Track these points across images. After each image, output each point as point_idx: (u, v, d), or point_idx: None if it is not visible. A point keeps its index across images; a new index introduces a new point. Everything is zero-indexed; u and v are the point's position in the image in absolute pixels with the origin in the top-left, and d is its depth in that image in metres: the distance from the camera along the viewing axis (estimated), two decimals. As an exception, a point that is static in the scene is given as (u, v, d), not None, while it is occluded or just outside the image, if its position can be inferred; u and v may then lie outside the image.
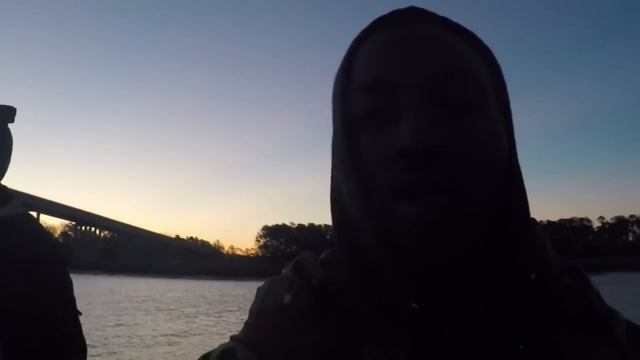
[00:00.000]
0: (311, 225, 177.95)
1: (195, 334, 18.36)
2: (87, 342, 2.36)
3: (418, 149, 0.64)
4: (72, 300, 2.34)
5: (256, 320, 0.74)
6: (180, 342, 16.53)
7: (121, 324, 20.61)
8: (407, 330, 0.66)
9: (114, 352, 14.55)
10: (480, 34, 0.75)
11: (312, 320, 0.69)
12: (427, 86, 0.68)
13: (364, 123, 0.71)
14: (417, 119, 0.66)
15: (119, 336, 17.36)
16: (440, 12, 0.77)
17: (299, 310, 0.70)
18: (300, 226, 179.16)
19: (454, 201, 0.64)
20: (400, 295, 0.67)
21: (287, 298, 0.72)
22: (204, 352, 0.76)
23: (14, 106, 2.47)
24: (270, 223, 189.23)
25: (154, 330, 19.32)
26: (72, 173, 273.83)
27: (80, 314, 2.36)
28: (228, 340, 0.76)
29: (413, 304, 0.66)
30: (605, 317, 0.72)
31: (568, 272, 0.75)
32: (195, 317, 24.67)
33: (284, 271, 0.79)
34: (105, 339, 16.41)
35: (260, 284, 0.73)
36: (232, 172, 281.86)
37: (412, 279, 0.67)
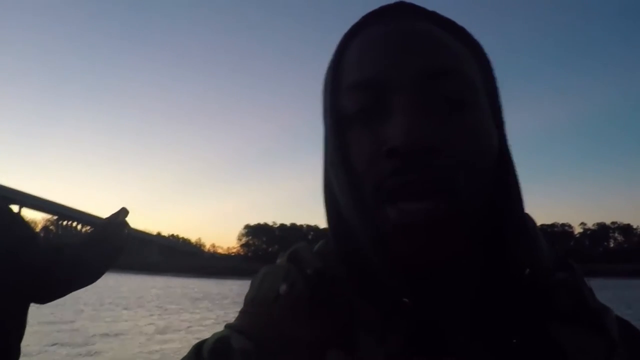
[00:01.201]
0: (293, 225, 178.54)
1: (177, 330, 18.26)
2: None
3: (408, 149, 0.63)
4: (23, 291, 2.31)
5: (251, 308, 0.73)
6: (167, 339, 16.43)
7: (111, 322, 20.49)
8: (400, 322, 0.66)
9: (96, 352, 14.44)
10: (475, 32, 0.74)
11: (308, 309, 0.69)
12: (417, 84, 0.67)
13: (354, 121, 0.70)
14: (408, 117, 0.65)
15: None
16: (437, 7, 0.76)
17: (295, 300, 0.70)
18: (282, 226, 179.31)
19: (440, 205, 0.64)
20: (391, 289, 0.67)
21: (283, 287, 0.71)
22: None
23: None
24: (252, 222, 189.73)
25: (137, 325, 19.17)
26: (54, 167, 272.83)
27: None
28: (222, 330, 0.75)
29: (405, 299, 0.66)
30: (597, 312, 0.72)
31: (561, 267, 0.75)
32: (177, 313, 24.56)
33: (278, 260, 0.79)
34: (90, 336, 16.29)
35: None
36: (214, 171, 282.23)
37: (403, 275, 0.67)
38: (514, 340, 0.68)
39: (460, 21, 0.74)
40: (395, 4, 0.77)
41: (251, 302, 0.74)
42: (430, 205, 0.63)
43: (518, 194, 0.75)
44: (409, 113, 0.65)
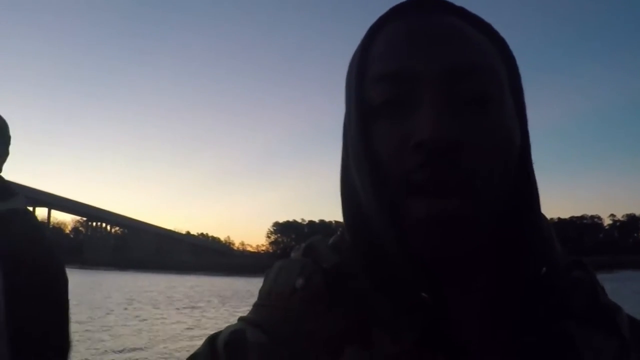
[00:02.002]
0: (322, 222, 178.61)
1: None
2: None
3: (436, 143, 0.64)
4: (60, 299, 2.32)
5: (267, 302, 0.74)
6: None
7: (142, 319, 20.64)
8: (414, 317, 0.66)
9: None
10: (496, 25, 0.73)
11: (324, 305, 0.70)
12: (447, 79, 0.68)
13: (379, 113, 0.70)
14: (436, 112, 0.65)
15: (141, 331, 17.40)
16: (462, 3, 0.75)
17: (311, 295, 0.70)
18: (311, 222, 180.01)
19: (465, 202, 0.64)
20: (409, 284, 0.68)
21: (300, 282, 0.72)
22: None
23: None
24: (281, 219, 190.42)
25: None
26: (83, 169, 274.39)
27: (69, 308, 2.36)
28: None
29: (423, 294, 0.67)
30: (610, 311, 0.74)
31: (575, 266, 0.77)
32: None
33: (293, 254, 0.79)
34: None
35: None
36: (243, 168, 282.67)
37: (422, 270, 0.67)
38: (529, 339, 0.69)
39: (481, 15, 0.74)
40: None
41: (267, 296, 0.74)
42: (456, 202, 0.64)
43: (536, 196, 0.75)
44: (436, 108, 0.66)
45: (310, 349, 0.67)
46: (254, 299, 0.74)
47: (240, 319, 0.74)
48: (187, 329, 18.78)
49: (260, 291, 0.76)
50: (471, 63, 0.69)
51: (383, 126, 0.69)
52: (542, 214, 0.77)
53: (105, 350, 14.05)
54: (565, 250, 0.80)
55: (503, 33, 0.74)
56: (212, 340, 0.73)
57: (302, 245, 0.79)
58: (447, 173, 0.64)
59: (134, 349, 14.39)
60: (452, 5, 0.77)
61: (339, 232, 0.81)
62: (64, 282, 2.33)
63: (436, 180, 0.64)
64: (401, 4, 0.77)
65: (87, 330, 16.61)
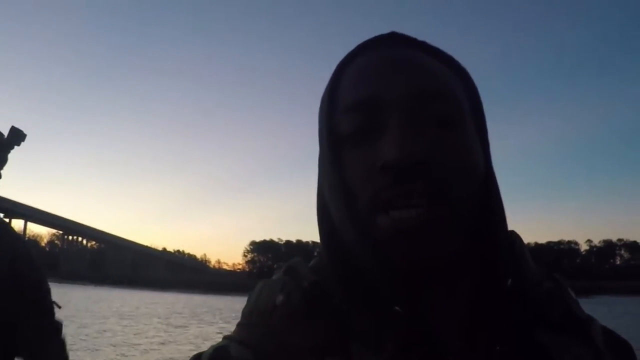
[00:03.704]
0: (299, 242, 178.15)
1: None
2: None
3: (401, 163, 0.67)
4: (44, 301, 2.37)
5: (249, 320, 0.76)
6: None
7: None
8: (392, 330, 0.69)
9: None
10: (467, 55, 0.96)
11: (303, 319, 0.72)
12: (408, 103, 0.72)
13: (349, 141, 0.74)
14: (400, 134, 0.69)
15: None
16: (426, 34, 0.80)
17: (291, 310, 0.73)
18: (288, 242, 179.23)
19: (431, 210, 0.68)
20: (383, 298, 0.71)
21: (280, 299, 0.74)
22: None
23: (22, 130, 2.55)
24: (258, 238, 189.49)
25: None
26: (61, 182, 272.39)
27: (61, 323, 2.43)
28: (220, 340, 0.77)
29: (396, 307, 0.70)
30: (584, 321, 0.76)
31: (547, 279, 0.80)
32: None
33: (274, 276, 0.81)
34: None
35: (246, 299, 0.77)
36: (220, 187, 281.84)
37: (395, 283, 0.71)
38: (498, 348, 0.72)
39: (444, 41, 0.83)
40: (388, 34, 0.82)
41: (249, 315, 0.76)
42: (422, 212, 0.67)
43: (501, 212, 0.80)
44: (401, 130, 0.70)
45: None
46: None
47: (224, 337, 0.76)
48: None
49: (243, 311, 0.78)
50: (433, 88, 0.74)
51: (353, 154, 0.74)
52: (513, 231, 0.82)
53: None
54: (541, 266, 0.83)
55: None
56: (196, 358, 0.75)
57: (283, 266, 0.82)
58: (413, 188, 0.68)
59: None
60: (414, 40, 0.82)
61: (316, 255, 0.85)
62: (46, 289, 2.39)
63: (403, 195, 0.68)
64: (367, 41, 0.82)
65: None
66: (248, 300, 0.79)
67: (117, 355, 15.98)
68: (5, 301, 2.17)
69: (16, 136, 2.61)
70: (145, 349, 17.43)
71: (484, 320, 0.73)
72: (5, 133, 2.60)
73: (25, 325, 2.23)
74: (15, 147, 2.64)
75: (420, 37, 0.83)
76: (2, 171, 2.56)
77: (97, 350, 16.53)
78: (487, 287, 0.75)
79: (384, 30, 0.81)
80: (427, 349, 0.69)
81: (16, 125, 2.60)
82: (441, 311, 0.74)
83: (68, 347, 2.54)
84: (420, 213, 0.67)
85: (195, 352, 0.73)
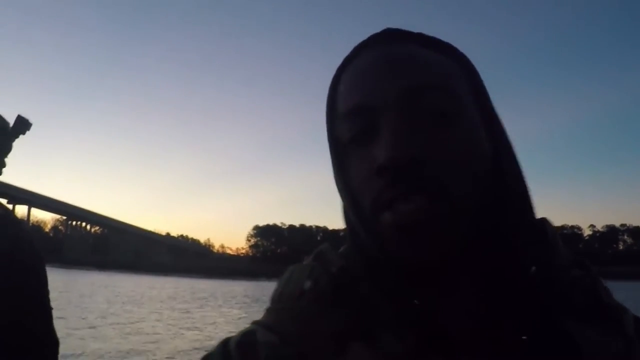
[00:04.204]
0: (302, 226, 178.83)
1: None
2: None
3: (395, 164, 0.68)
4: (43, 296, 2.34)
5: (277, 305, 0.77)
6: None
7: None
8: (413, 322, 0.70)
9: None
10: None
11: (330, 305, 0.73)
12: (401, 102, 0.72)
13: (349, 146, 0.76)
14: (392, 135, 0.70)
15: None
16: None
17: (318, 296, 0.74)
18: (291, 227, 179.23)
19: (431, 204, 0.68)
20: (401, 291, 0.72)
21: (308, 284, 0.76)
22: None
23: (28, 118, 2.57)
24: (262, 223, 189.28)
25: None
26: (64, 167, 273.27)
27: (52, 309, 2.37)
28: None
29: (415, 301, 0.71)
30: (614, 310, 0.76)
31: (577, 266, 0.79)
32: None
33: (304, 261, 0.82)
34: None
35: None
36: (224, 172, 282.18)
37: (410, 277, 0.72)
38: (524, 337, 0.71)
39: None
40: (382, 32, 0.82)
41: (278, 299, 0.78)
42: (421, 205, 0.68)
43: (523, 195, 0.78)
44: (393, 131, 0.70)
45: (316, 346, 0.70)
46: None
47: (253, 322, 0.78)
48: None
49: (272, 296, 0.80)
50: (424, 82, 0.73)
51: (354, 158, 0.75)
52: (544, 218, 0.81)
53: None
54: (572, 253, 0.81)
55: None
56: (225, 341, 0.77)
57: (314, 252, 0.83)
58: (411, 186, 0.68)
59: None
60: (410, 33, 0.81)
61: (346, 244, 0.85)
62: (44, 278, 2.36)
63: (402, 194, 0.68)
64: (364, 41, 0.82)
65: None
66: (277, 285, 0.81)
67: (121, 339, 16.02)
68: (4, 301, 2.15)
69: (22, 125, 2.63)
70: (148, 333, 17.47)
71: (503, 311, 0.73)
72: (11, 121, 2.60)
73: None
74: (21, 136, 2.65)
75: (424, 29, 0.81)
76: (6, 159, 2.57)
77: (102, 335, 16.57)
78: (505, 278, 0.74)
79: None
80: (448, 341, 0.70)
81: (21, 114, 2.61)
82: (457, 303, 0.74)
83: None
84: (419, 209, 0.67)
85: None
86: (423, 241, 0.69)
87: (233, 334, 0.78)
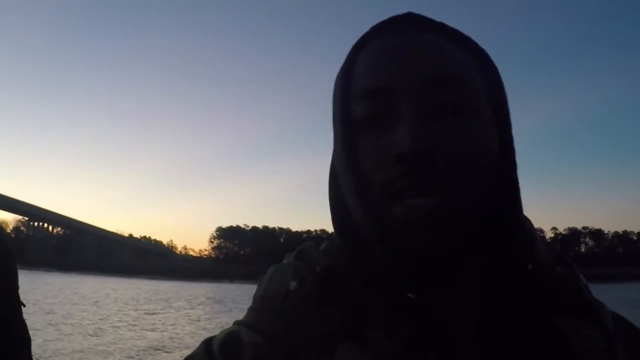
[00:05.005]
0: (265, 228, 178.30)
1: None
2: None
3: (415, 154, 0.68)
4: (18, 294, 2.37)
5: (260, 305, 0.76)
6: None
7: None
8: (406, 317, 0.69)
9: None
10: (473, 34, 0.73)
11: (317, 305, 0.72)
12: (422, 92, 0.71)
13: (363, 127, 0.75)
14: (414, 124, 0.69)
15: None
16: (440, 13, 0.84)
17: (304, 296, 0.73)
18: (255, 228, 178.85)
19: (442, 202, 0.68)
20: (397, 285, 0.71)
21: (293, 284, 0.74)
22: None
23: None
24: (225, 224, 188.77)
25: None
26: (26, 168, 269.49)
27: (24, 305, 2.38)
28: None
29: (409, 295, 0.70)
30: (595, 306, 0.77)
31: (559, 263, 0.81)
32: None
33: (285, 260, 0.81)
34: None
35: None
36: (187, 173, 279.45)
37: (408, 270, 0.72)
38: (517, 332, 0.72)
39: (458, 22, 0.88)
40: (404, 15, 0.81)
41: (260, 300, 0.76)
42: (433, 201, 0.68)
43: (518, 196, 0.80)
44: (414, 120, 0.70)
45: (304, 346, 0.69)
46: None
47: (235, 322, 0.76)
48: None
49: (255, 296, 0.78)
50: (445, 74, 0.73)
51: (367, 140, 0.74)
52: (524, 215, 0.82)
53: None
54: (551, 250, 0.84)
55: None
56: (207, 342, 0.75)
57: (294, 251, 0.82)
58: (425, 178, 0.68)
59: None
60: (431, 21, 0.80)
61: (326, 238, 0.85)
62: (14, 273, 2.37)
63: (415, 185, 0.68)
64: (382, 23, 0.81)
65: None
66: (259, 285, 0.79)
67: (83, 340, 16.39)
68: None
69: None
70: (109, 333, 17.84)
71: (499, 307, 0.74)
72: None
73: None
74: None
75: (436, 17, 0.81)
76: None
77: (64, 335, 16.91)
78: (501, 274, 0.75)
79: (394, 8, 0.77)
80: (441, 336, 0.70)
81: None
82: (454, 298, 0.74)
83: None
84: (431, 204, 0.68)
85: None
86: (428, 237, 0.69)
87: (214, 335, 0.76)
